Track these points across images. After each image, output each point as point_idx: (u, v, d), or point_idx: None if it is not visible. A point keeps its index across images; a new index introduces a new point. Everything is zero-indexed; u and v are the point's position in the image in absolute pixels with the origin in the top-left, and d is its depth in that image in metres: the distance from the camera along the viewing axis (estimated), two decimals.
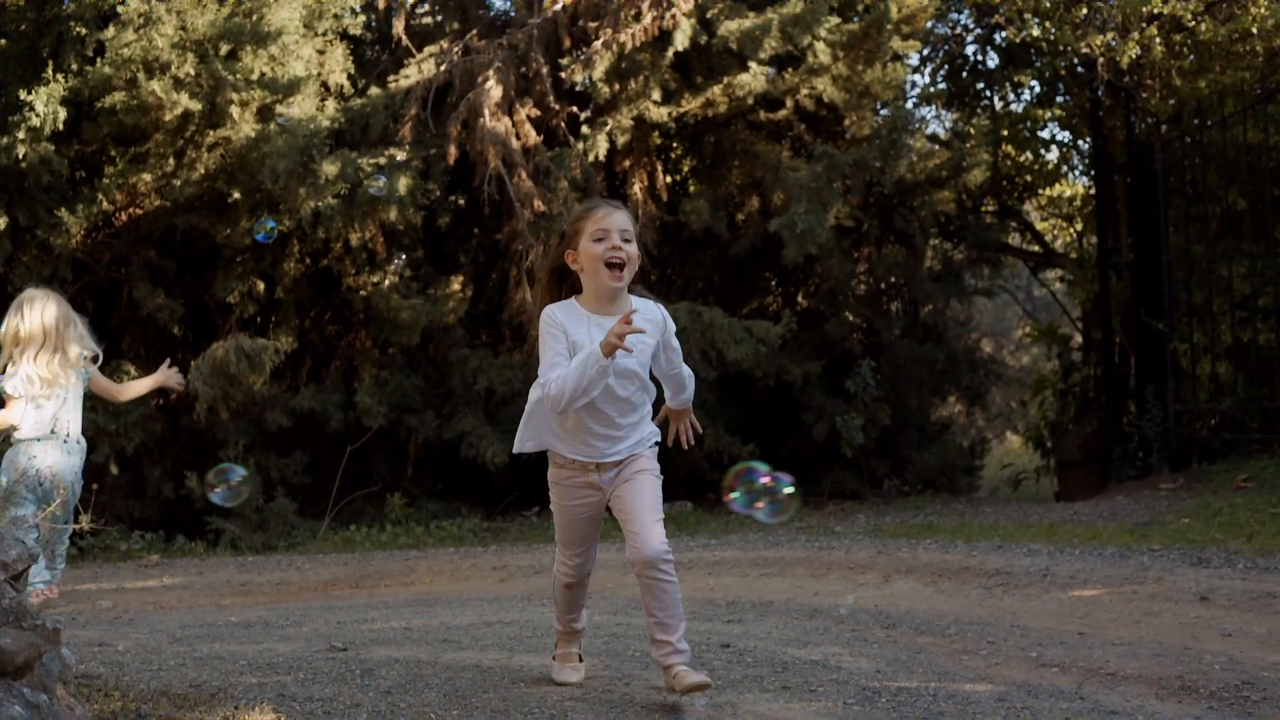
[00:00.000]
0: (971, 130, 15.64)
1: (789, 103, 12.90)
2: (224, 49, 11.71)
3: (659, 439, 5.08)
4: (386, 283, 12.51)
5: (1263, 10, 12.98)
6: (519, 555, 9.97)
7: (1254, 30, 12.89)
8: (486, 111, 12.31)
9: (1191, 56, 13.31)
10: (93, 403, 9.27)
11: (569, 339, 4.84)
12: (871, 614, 6.92)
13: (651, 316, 4.95)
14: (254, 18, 11.77)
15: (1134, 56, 12.75)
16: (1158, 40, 12.86)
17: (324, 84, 12.55)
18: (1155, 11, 12.65)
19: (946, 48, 15.56)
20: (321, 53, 12.53)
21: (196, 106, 11.40)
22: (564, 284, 5.04)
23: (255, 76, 11.72)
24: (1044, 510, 11.60)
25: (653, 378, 4.98)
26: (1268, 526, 8.90)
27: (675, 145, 14.20)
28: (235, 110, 11.56)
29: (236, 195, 11.92)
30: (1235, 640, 6.12)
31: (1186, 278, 12.72)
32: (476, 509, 12.87)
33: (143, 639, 6.16)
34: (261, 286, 12.56)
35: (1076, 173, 16.03)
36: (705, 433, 12.48)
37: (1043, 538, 9.19)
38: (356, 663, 5.40)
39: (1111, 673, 5.39)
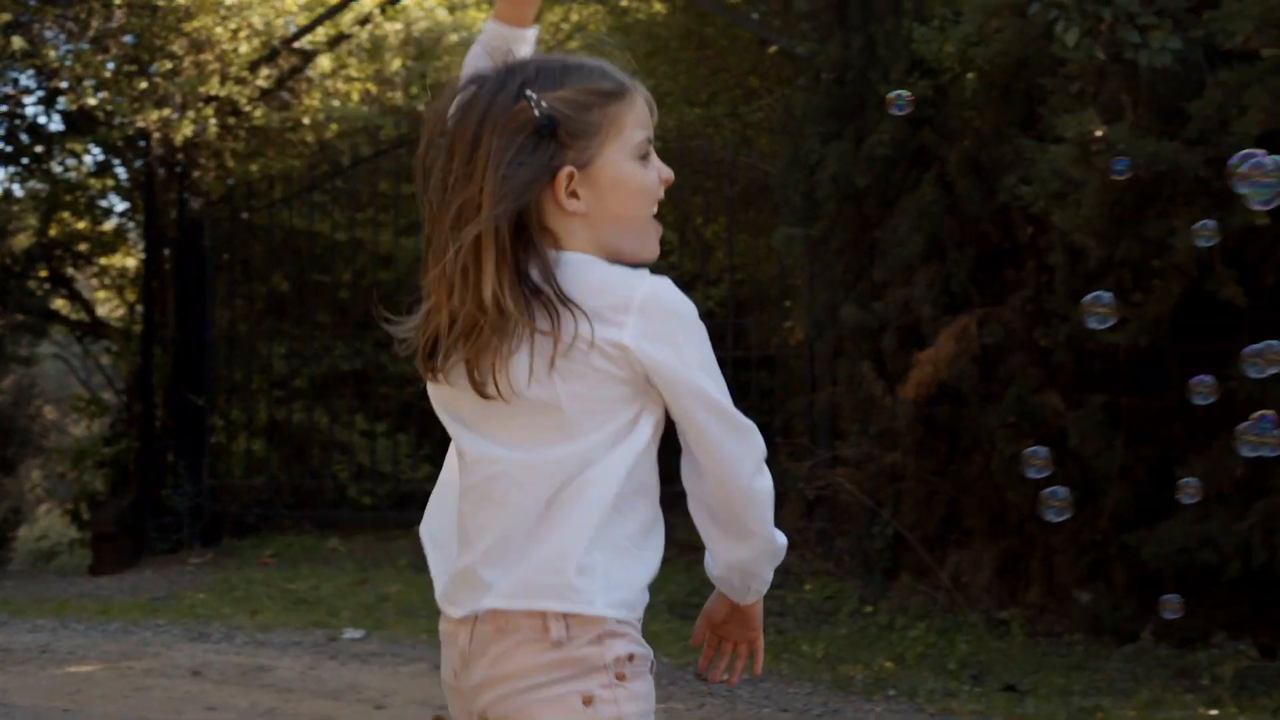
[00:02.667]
0: (22, 193, 15.15)
1: None
2: None
3: (616, 625, 2.12)
4: None
5: (315, 103, 13.64)
6: None
7: (305, 120, 13.50)
8: None
9: (247, 140, 13.71)
10: None
11: None
12: None
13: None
14: None
15: (189, 134, 12.90)
16: (213, 121, 13.11)
17: None
18: (212, 93, 12.89)
19: (4, 107, 15.01)
20: None
21: None
22: (521, 241, 2.10)
23: None
24: (68, 584, 11.36)
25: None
26: (276, 602, 9.19)
27: None
28: None
29: None
30: (219, 713, 6.26)
31: (229, 355, 12.97)
32: None
33: None
34: None
35: (133, 245, 15.95)
36: None
37: (52, 613, 8.95)
38: None
39: None
